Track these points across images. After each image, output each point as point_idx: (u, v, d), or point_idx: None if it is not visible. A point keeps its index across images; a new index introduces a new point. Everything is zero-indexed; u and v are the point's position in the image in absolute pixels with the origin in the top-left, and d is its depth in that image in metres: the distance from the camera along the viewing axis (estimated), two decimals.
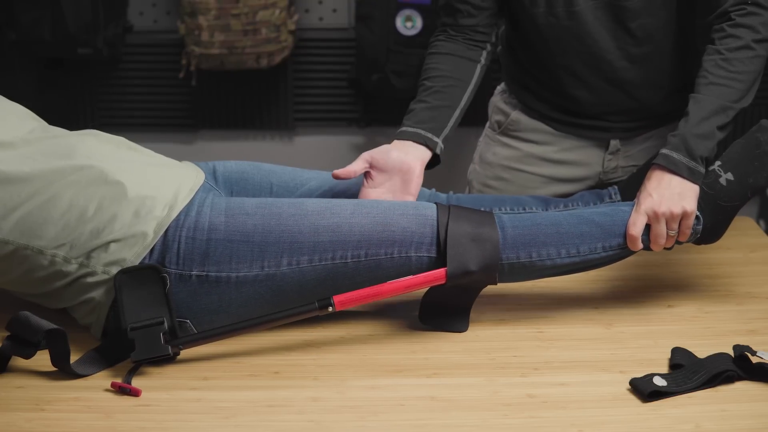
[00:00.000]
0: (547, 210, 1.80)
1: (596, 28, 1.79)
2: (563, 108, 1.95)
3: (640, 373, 1.38)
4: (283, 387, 1.40)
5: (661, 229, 1.55)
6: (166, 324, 1.43)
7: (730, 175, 1.57)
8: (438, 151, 1.73)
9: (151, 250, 1.47)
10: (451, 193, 1.81)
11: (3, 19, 3.12)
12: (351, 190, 1.73)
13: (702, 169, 1.58)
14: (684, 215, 1.55)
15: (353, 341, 1.52)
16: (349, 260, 1.50)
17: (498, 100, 2.08)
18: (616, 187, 1.86)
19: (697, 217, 1.57)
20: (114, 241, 1.46)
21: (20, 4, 3.04)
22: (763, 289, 1.70)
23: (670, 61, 1.86)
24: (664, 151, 1.59)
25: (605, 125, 1.94)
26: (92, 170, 1.50)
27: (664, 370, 1.42)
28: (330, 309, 1.46)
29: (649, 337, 1.53)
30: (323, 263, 1.50)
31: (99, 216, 1.47)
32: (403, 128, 1.74)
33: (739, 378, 1.38)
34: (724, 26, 1.66)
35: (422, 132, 1.72)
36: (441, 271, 1.49)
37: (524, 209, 1.80)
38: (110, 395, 1.36)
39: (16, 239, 1.46)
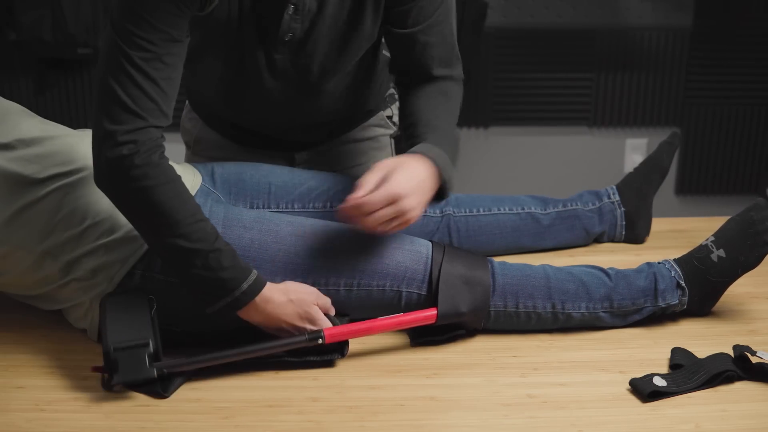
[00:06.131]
0: (545, 209, 1.81)
1: (282, 99, 1.69)
2: (241, 128, 1.83)
3: (640, 373, 1.38)
4: (283, 387, 1.40)
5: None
6: (151, 346, 1.37)
7: (722, 252, 1.56)
8: None
9: (142, 256, 1.46)
10: (450, 193, 1.81)
11: (3, 19, 3.13)
12: (348, 191, 1.72)
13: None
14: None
15: (353, 342, 1.52)
16: (341, 288, 1.50)
17: (184, 118, 1.93)
18: (614, 186, 1.86)
19: (682, 288, 1.56)
20: (104, 245, 1.46)
21: (20, 4, 3.04)
22: (763, 289, 1.70)
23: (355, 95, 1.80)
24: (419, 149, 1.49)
25: (284, 144, 1.85)
26: (88, 175, 1.49)
27: (664, 370, 1.42)
28: (320, 341, 1.43)
29: (648, 337, 1.53)
30: (316, 288, 1.48)
31: (90, 220, 1.46)
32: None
33: (739, 378, 1.39)
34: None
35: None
36: (432, 312, 1.49)
37: (523, 209, 1.80)
38: (110, 395, 1.36)
39: (8, 241, 1.46)
